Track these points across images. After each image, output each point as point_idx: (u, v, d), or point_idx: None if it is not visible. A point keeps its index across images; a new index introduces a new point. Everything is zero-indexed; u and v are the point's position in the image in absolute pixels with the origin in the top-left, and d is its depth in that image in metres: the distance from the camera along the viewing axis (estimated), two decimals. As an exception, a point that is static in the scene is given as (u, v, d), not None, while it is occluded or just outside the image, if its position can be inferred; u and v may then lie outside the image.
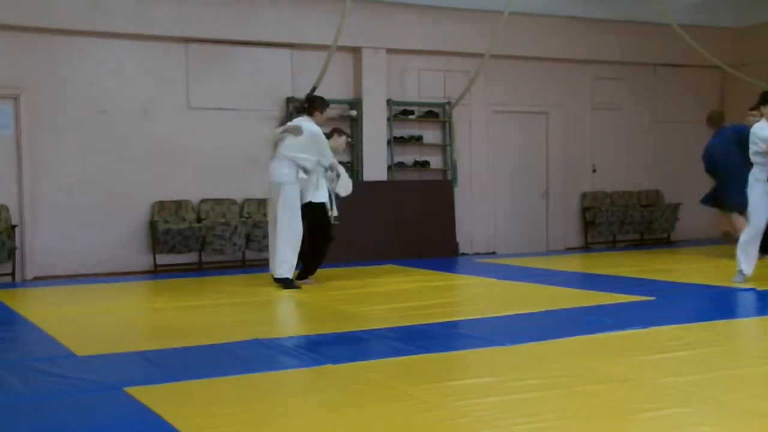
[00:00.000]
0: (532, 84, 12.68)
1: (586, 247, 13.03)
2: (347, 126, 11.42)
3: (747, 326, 6.01)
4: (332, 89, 11.12)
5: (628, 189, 13.47)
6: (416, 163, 11.90)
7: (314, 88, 10.52)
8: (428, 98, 11.93)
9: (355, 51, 11.42)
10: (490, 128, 12.49)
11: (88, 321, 6.53)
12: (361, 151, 11.34)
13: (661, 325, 5.63)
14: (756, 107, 9.39)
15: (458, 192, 12.03)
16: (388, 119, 11.59)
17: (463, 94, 11.76)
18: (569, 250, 12.83)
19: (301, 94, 10.81)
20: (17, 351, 5.40)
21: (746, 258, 7.69)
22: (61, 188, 9.95)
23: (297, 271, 8.28)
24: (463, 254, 11.94)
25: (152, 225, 10.27)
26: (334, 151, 8.43)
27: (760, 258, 7.99)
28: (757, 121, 7.91)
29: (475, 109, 12.29)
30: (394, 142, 11.70)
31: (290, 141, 8.11)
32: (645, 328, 5.54)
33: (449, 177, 12.03)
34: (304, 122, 8.25)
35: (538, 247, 12.81)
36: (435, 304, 6.90)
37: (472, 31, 11.78)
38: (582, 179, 13.14)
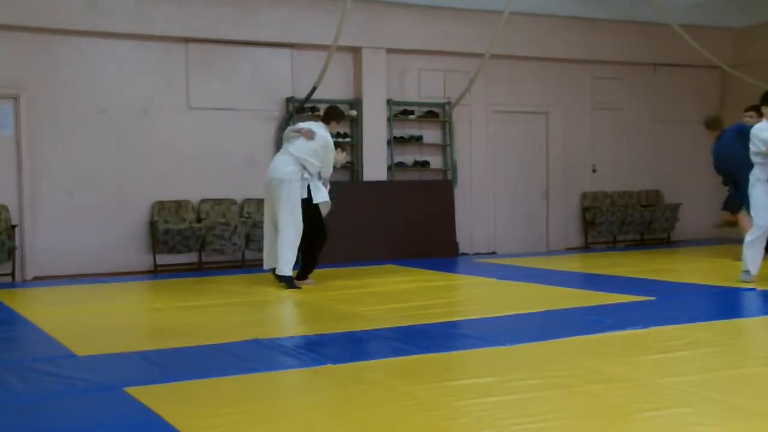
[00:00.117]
0: (532, 84, 12.68)
1: (586, 247, 13.03)
2: (347, 126, 11.44)
3: (747, 326, 6.01)
4: (332, 89, 11.14)
5: (628, 189, 13.47)
6: (416, 163, 11.90)
7: (314, 89, 10.52)
8: (428, 98, 11.93)
9: (355, 51, 11.42)
10: (490, 128, 12.49)
11: (88, 321, 6.53)
12: (361, 151, 11.34)
13: (661, 325, 5.63)
14: (751, 108, 9.41)
15: (458, 192, 12.03)
16: (388, 119, 11.59)
17: (463, 94, 11.76)
18: (569, 250, 12.83)
19: (301, 94, 10.83)
20: (17, 351, 5.40)
21: (752, 258, 7.69)
22: (61, 188, 9.95)
23: (296, 271, 8.30)
24: (463, 254, 11.94)
25: (152, 225, 10.27)
26: (334, 164, 8.45)
27: (765, 257, 7.99)
28: (754, 122, 7.91)
29: (475, 109, 12.29)
30: (394, 142, 11.70)
31: (301, 142, 8.16)
32: (645, 328, 5.55)
33: (449, 177, 12.03)
34: (319, 129, 8.29)
35: (538, 247, 12.81)
36: (435, 304, 6.90)
37: (472, 31, 11.78)
38: (582, 179, 13.14)
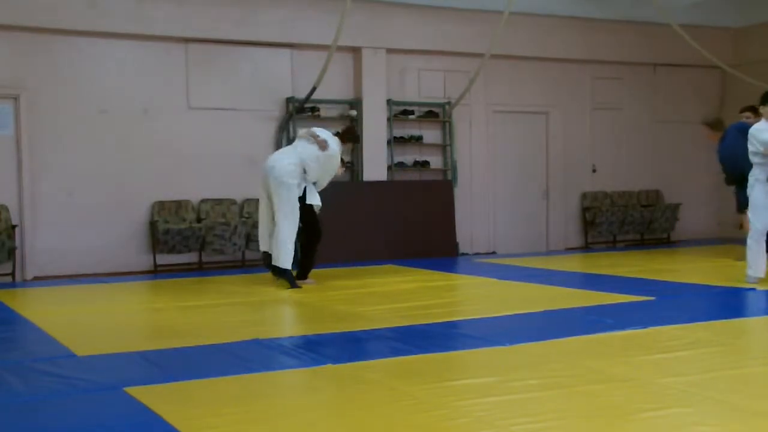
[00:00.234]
0: (532, 84, 12.68)
1: (586, 247, 13.03)
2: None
3: (747, 326, 6.01)
4: (332, 89, 11.14)
5: (628, 189, 13.47)
6: (416, 163, 11.90)
7: (314, 89, 10.53)
8: (428, 98, 11.93)
9: (355, 51, 11.42)
10: (490, 128, 12.49)
11: (88, 321, 6.53)
12: (361, 151, 11.34)
13: (661, 325, 5.63)
14: (746, 109, 9.38)
15: (458, 192, 12.03)
16: (388, 119, 11.59)
17: (463, 94, 11.76)
18: (569, 250, 12.83)
19: (301, 94, 10.83)
20: (17, 351, 5.40)
21: (752, 259, 7.68)
22: (61, 188, 9.95)
23: (294, 272, 8.32)
24: (463, 254, 11.94)
25: (152, 225, 10.27)
26: (329, 167, 8.47)
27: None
28: (753, 122, 7.89)
29: (475, 109, 12.29)
30: (394, 142, 11.70)
31: (310, 147, 8.21)
32: (645, 328, 5.55)
33: (449, 177, 12.03)
34: (333, 142, 8.35)
35: (538, 247, 12.81)
36: (435, 304, 6.90)
37: (472, 31, 11.78)
38: (582, 179, 13.14)
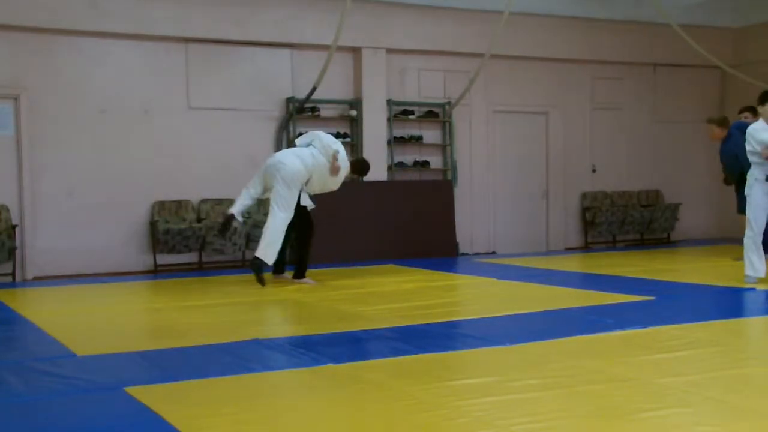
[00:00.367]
0: (532, 84, 12.68)
1: (586, 247, 13.03)
2: (347, 126, 11.45)
3: (747, 326, 6.01)
4: (332, 89, 11.14)
5: (628, 189, 13.47)
6: (416, 163, 11.90)
7: (314, 89, 10.53)
8: (428, 98, 11.93)
9: (355, 51, 11.42)
10: (490, 128, 12.49)
11: (88, 321, 6.52)
12: (361, 152, 11.34)
13: (660, 325, 5.63)
14: (746, 109, 9.36)
15: (458, 192, 12.03)
16: (388, 119, 11.59)
17: (463, 94, 11.76)
18: (569, 250, 12.83)
19: (301, 94, 10.83)
20: (17, 351, 5.41)
21: (750, 260, 7.67)
22: (61, 188, 9.95)
23: (291, 272, 8.37)
24: (463, 254, 11.94)
25: (152, 225, 10.27)
26: (329, 183, 8.52)
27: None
28: (752, 121, 7.89)
29: (475, 109, 12.29)
30: (394, 142, 11.70)
31: (322, 162, 8.26)
32: (645, 328, 5.55)
33: (449, 177, 12.03)
34: (344, 169, 8.42)
35: (538, 247, 12.81)
36: (435, 304, 6.90)
37: (472, 31, 11.78)
38: (582, 179, 13.14)
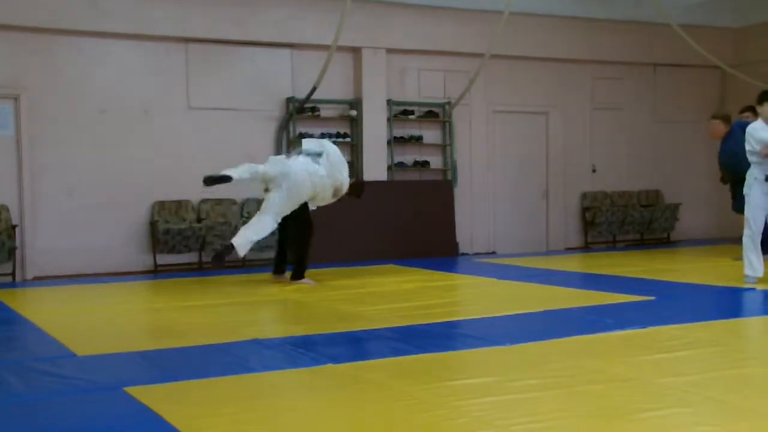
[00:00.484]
0: (532, 84, 12.68)
1: (586, 247, 13.03)
2: (347, 126, 11.44)
3: (747, 326, 6.01)
4: (332, 89, 11.14)
5: (628, 189, 13.47)
6: (416, 163, 11.90)
7: (314, 89, 10.53)
8: (428, 98, 11.93)
9: (355, 51, 11.42)
10: (490, 128, 12.49)
11: (88, 321, 6.52)
12: (361, 152, 11.34)
13: (660, 325, 5.63)
14: (746, 109, 9.34)
15: (458, 192, 12.03)
16: (388, 119, 11.59)
17: (463, 94, 11.76)
18: (569, 250, 12.83)
19: (301, 94, 10.83)
20: (17, 351, 5.41)
21: (749, 260, 7.67)
22: (61, 188, 9.95)
23: (290, 272, 8.40)
24: (463, 254, 11.94)
25: (152, 225, 10.27)
26: (327, 200, 8.54)
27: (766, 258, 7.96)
28: (752, 121, 7.89)
29: (475, 109, 12.29)
30: (394, 142, 11.70)
31: (328, 183, 8.27)
32: (645, 328, 5.54)
33: (449, 177, 12.03)
34: (344, 190, 8.47)
35: (538, 247, 12.81)
36: (435, 304, 6.90)
37: (472, 31, 11.78)
38: (582, 179, 13.14)
